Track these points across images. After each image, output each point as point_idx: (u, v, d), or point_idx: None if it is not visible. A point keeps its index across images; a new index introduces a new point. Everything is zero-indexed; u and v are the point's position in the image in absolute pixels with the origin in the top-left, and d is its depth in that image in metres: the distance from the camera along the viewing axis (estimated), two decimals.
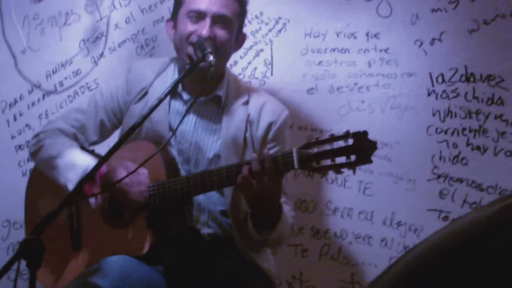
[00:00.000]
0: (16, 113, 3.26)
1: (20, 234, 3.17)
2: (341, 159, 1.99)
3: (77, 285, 2.16)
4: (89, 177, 2.06)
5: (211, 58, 2.21)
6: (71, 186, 2.30)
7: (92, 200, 2.32)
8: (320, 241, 2.90)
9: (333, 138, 2.00)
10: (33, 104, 3.25)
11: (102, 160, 2.04)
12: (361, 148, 1.97)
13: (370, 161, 1.99)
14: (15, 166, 3.26)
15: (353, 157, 1.98)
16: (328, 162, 2.01)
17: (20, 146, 3.26)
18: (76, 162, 2.34)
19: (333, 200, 2.89)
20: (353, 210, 2.86)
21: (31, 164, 3.14)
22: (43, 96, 3.24)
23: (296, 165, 2.06)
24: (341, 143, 1.99)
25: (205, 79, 2.28)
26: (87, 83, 3.20)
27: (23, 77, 3.26)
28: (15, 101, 3.27)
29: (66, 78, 3.23)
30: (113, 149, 2.01)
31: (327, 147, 2.01)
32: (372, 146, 1.98)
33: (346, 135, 1.98)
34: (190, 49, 2.30)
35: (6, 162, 3.27)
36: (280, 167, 2.10)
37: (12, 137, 3.27)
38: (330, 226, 2.90)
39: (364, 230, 2.85)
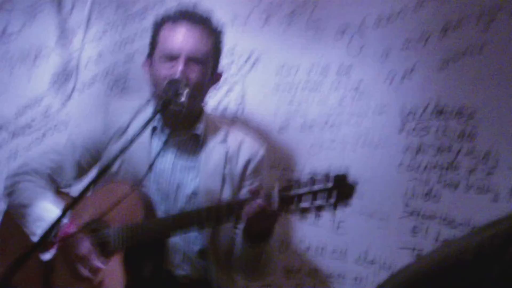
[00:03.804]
0: None
1: None
2: (320, 201, 2.03)
3: None
4: (49, 233, 2.07)
5: (182, 99, 2.23)
6: (35, 240, 2.29)
7: (45, 256, 2.32)
8: (292, 281, 2.89)
9: (313, 181, 2.04)
10: (0, 146, 3.21)
11: (66, 210, 2.04)
12: (340, 190, 2.01)
13: (347, 204, 2.03)
14: None
15: (332, 200, 2.00)
16: (307, 203, 2.04)
17: None
18: (44, 217, 2.32)
19: (305, 239, 2.88)
20: (326, 249, 2.85)
21: None
22: (11, 137, 3.20)
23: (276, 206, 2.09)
24: (321, 185, 2.02)
25: (178, 119, 2.34)
26: (55, 125, 3.16)
27: None
28: None
29: (33, 119, 3.18)
30: (79, 196, 1.98)
31: (306, 188, 2.04)
32: (351, 189, 2.01)
33: (326, 178, 2.02)
34: (161, 88, 2.31)
35: None
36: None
37: None
38: (302, 265, 2.88)
39: (337, 269, 2.84)
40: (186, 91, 2.25)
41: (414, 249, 2.73)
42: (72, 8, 3.16)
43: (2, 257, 2.53)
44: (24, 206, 2.39)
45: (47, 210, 2.35)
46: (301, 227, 2.87)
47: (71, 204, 2.00)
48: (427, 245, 2.71)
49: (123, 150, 2.14)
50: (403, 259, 2.71)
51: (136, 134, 2.16)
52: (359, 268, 2.80)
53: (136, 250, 2.29)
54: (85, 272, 2.27)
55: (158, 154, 2.32)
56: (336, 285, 2.83)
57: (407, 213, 2.75)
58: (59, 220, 2.06)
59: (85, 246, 2.28)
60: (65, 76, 3.17)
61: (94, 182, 2.09)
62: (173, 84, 2.27)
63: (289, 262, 2.89)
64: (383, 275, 2.74)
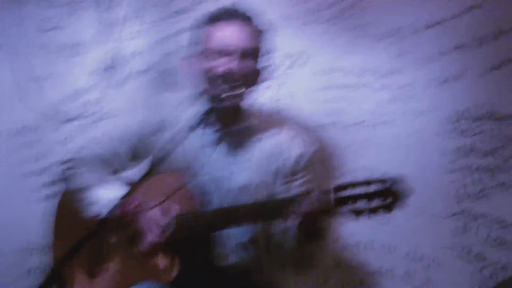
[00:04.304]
0: (27, 142, 3.24)
1: (35, 260, 3.17)
2: (374, 203, 2.06)
3: None
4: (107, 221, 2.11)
5: (236, 91, 2.26)
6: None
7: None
8: (342, 274, 2.93)
9: (368, 182, 2.06)
10: (44, 133, 3.23)
11: (125, 195, 2.06)
12: (395, 193, 2.04)
13: (401, 207, 2.05)
14: (28, 193, 3.23)
15: (386, 203, 2.04)
16: (361, 205, 2.07)
17: (33, 173, 3.24)
18: (100, 200, 2.35)
19: (354, 233, 2.93)
20: (375, 243, 2.90)
21: (43, 192, 3.14)
22: (60, 124, 3.23)
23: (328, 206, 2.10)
24: (375, 187, 2.05)
25: (228, 113, 2.40)
26: (105, 113, 3.19)
27: (33, 106, 3.24)
28: (24, 129, 3.25)
29: (76, 108, 3.21)
30: (135, 186, 2.03)
31: (360, 190, 2.06)
32: (404, 192, 2.04)
33: (381, 180, 2.05)
34: (215, 84, 2.34)
35: (17, 189, 3.24)
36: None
37: (24, 164, 3.24)
38: (351, 258, 2.93)
39: (386, 263, 2.89)
40: (243, 89, 2.31)
41: (464, 246, 2.77)
42: (112, 3, 3.19)
43: (59, 239, 2.57)
44: (80, 190, 2.41)
45: (103, 194, 2.37)
46: (351, 221, 2.88)
47: (130, 190, 2.04)
48: (477, 244, 2.75)
49: (180, 141, 2.18)
50: (453, 257, 2.77)
51: (194, 125, 2.20)
52: (408, 264, 2.84)
53: (185, 239, 2.32)
54: (152, 237, 2.29)
55: (210, 147, 2.35)
56: (386, 280, 2.88)
57: (457, 211, 2.78)
58: (116, 207, 2.11)
59: (149, 216, 2.30)
60: (112, 67, 3.19)
61: (150, 172, 2.11)
62: (227, 77, 2.32)
63: (339, 255, 2.94)
64: (432, 272, 2.80)
